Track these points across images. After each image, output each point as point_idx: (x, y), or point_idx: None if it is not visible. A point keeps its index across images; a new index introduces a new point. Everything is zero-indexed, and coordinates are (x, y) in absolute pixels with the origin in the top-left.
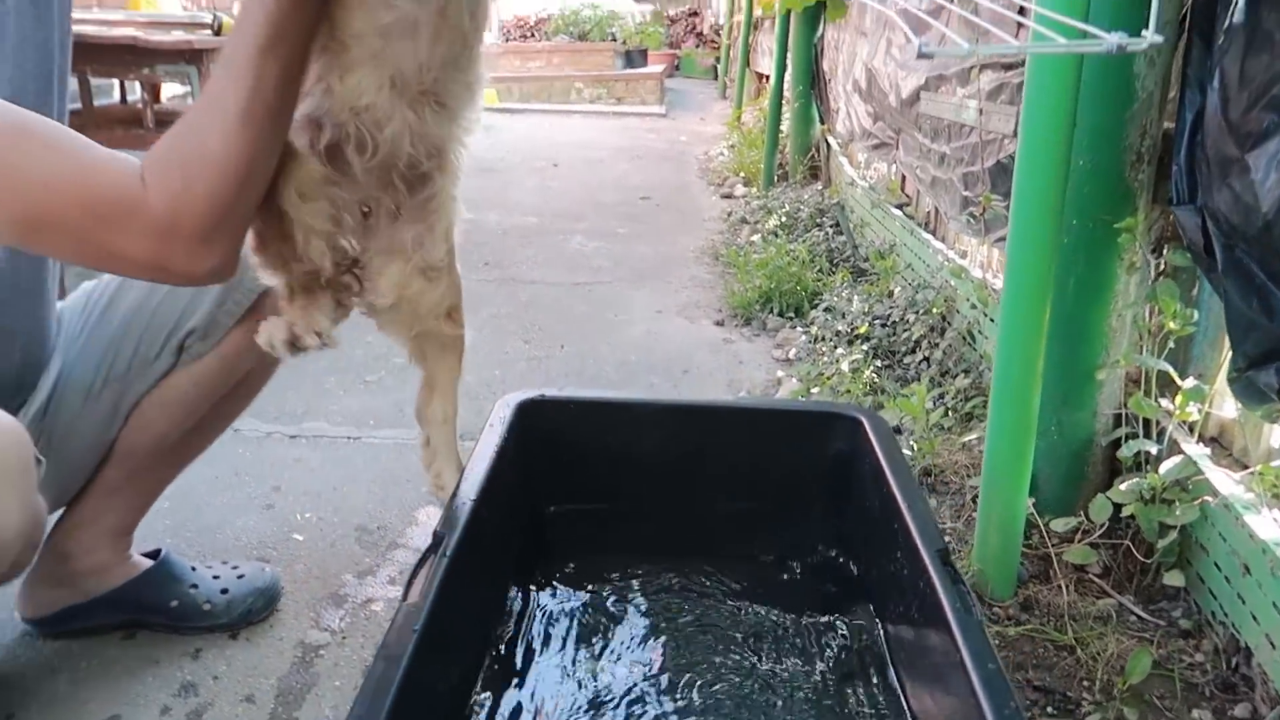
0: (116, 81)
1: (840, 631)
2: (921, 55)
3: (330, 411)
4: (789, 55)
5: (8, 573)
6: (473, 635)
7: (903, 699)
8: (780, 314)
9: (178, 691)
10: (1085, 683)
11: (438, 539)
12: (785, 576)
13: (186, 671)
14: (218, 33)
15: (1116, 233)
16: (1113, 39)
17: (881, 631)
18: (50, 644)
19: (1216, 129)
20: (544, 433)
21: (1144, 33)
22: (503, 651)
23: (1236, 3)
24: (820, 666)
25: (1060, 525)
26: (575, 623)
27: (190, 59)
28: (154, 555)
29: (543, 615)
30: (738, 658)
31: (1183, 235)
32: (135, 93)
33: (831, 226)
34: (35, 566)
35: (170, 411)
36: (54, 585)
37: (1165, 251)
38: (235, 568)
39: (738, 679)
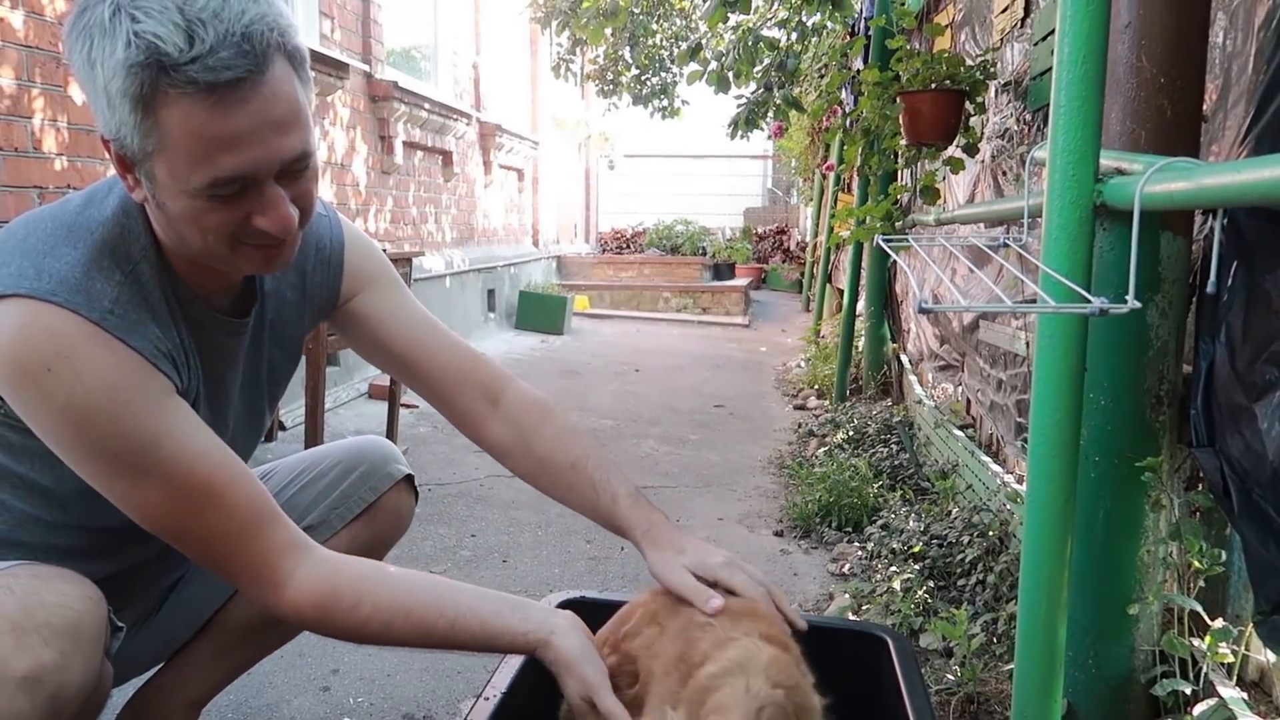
0: None
1: None
2: (922, 310)
3: None
4: (863, 276)
5: None
6: None
7: None
8: (839, 528)
9: None
10: None
11: None
12: None
13: None
14: None
15: (1141, 470)
16: (1097, 303)
17: None
18: None
19: (1226, 378)
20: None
21: (1126, 298)
22: None
23: (1235, 263)
24: None
25: None
26: None
27: None
28: None
29: None
30: None
31: (1203, 475)
32: None
33: (896, 444)
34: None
35: (256, 610)
36: None
37: (1194, 491)
38: None
39: None
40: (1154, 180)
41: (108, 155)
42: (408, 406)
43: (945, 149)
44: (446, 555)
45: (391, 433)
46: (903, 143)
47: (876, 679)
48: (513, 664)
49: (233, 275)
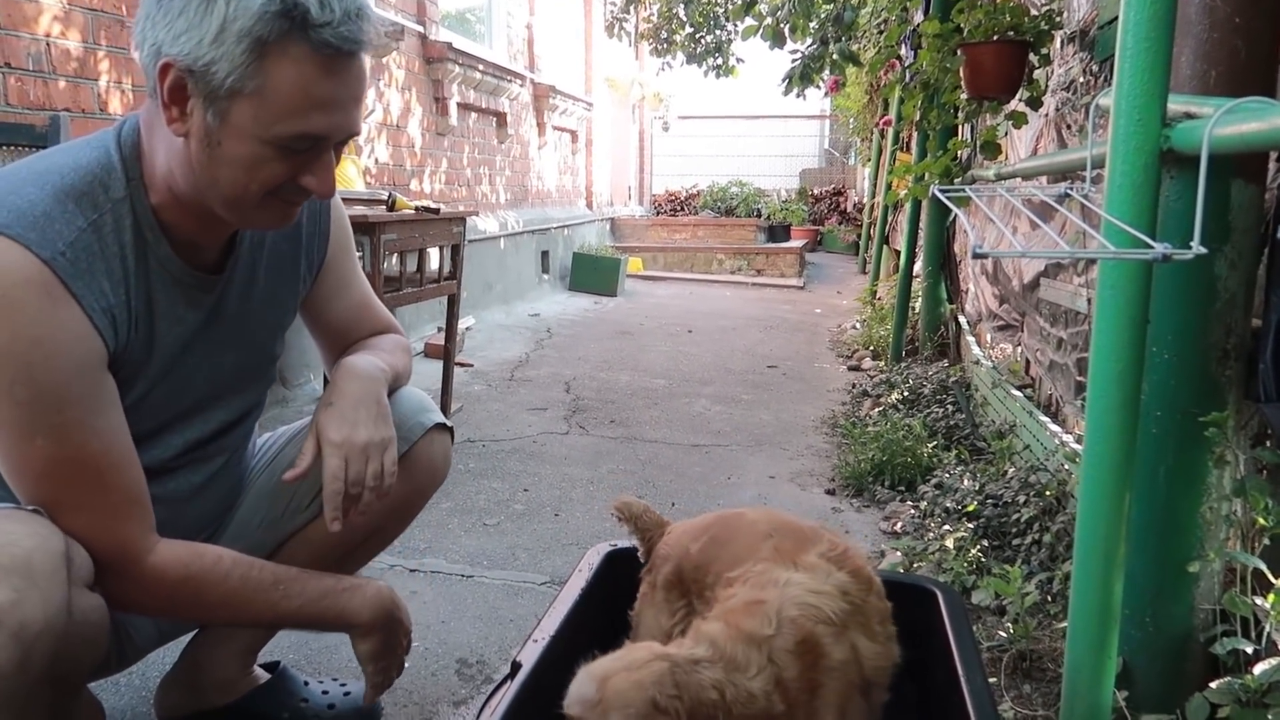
0: None
1: None
2: (975, 256)
3: (449, 550)
4: (920, 236)
5: (67, 668)
6: None
7: None
8: (891, 486)
9: None
10: None
11: (515, 668)
12: None
13: None
14: (391, 208)
15: (1205, 426)
16: (1160, 249)
17: None
18: None
19: None
20: (630, 582)
21: (1191, 244)
22: None
23: None
24: None
25: None
26: None
27: (364, 231)
28: (272, 667)
29: None
30: None
31: (1271, 430)
32: None
33: (952, 404)
34: (173, 669)
35: (311, 549)
36: (184, 691)
37: (1261, 448)
38: (343, 685)
39: None
40: (1224, 122)
41: (159, 79)
42: (462, 365)
43: (1007, 103)
44: (500, 509)
45: (446, 391)
46: (963, 97)
47: (926, 633)
48: (561, 609)
49: (232, 227)
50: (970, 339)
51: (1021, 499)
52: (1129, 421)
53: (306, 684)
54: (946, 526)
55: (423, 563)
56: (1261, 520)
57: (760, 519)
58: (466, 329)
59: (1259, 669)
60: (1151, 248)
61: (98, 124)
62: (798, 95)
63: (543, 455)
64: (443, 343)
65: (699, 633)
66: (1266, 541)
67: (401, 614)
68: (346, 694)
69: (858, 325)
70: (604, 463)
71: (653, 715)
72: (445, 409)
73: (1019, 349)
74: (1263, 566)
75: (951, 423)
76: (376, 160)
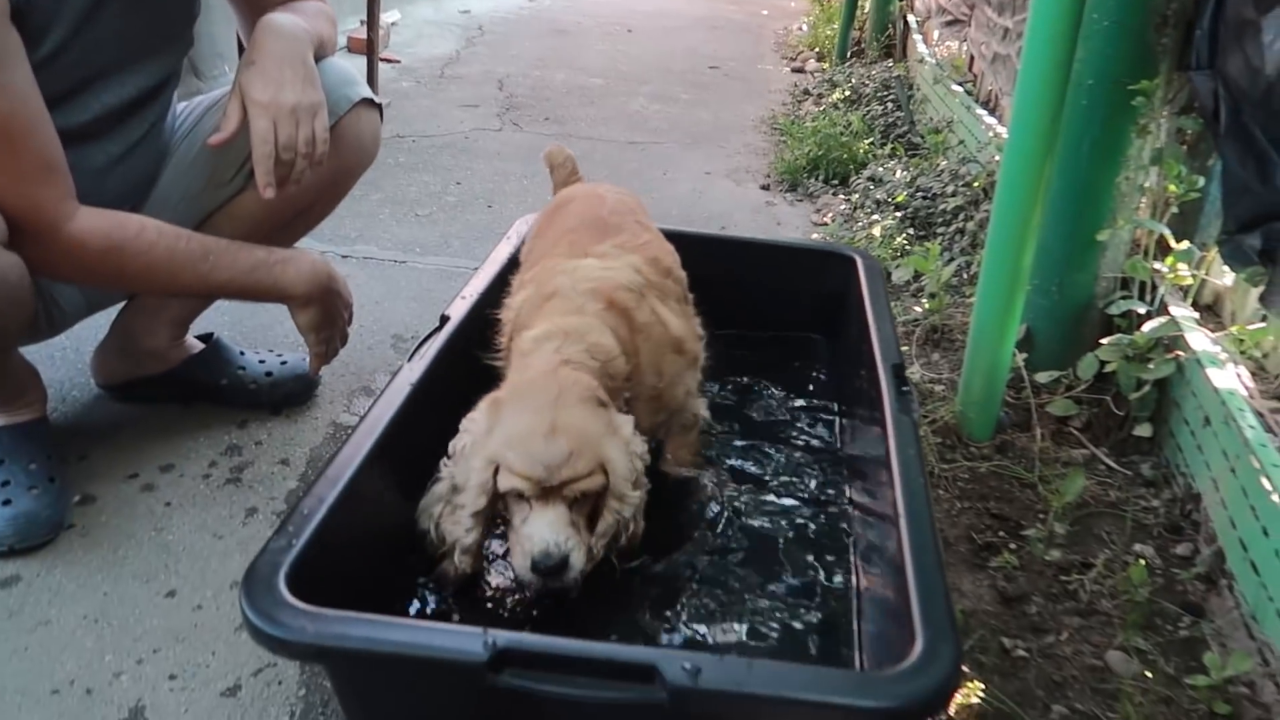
0: None
1: (810, 441)
2: None
3: (381, 238)
4: None
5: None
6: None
7: (846, 487)
8: (825, 181)
9: (224, 451)
10: (1041, 515)
11: (443, 320)
12: (778, 395)
13: (233, 436)
14: None
15: (1133, 95)
16: None
17: (839, 432)
18: (119, 406)
19: None
20: None
21: None
22: None
23: None
24: (790, 472)
25: (1044, 378)
26: None
27: None
28: (206, 339)
29: None
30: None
31: (1196, 100)
32: None
33: (892, 101)
34: (106, 338)
35: (236, 226)
36: (120, 358)
37: (1184, 116)
38: (280, 356)
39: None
40: None
41: None
42: (388, 61)
43: None
44: (432, 200)
45: (371, 86)
46: None
47: (842, 294)
48: (488, 271)
49: None
50: (917, 38)
51: (950, 190)
52: (1058, 87)
53: (243, 354)
54: (875, 216)
55: (355, 249)
56: (1173, 187)
57: (575, 212)
58: (392, 24)
59: (1147, 327)
60: None
61: None
62: None
63: (475, 150)
64: (365, 35)
65: (526, 343)
66: (1175, 209)
67: (338, 285)
68: (283, 364)
69: (804, 27)
70: (538, 158)
71: (606, 414)
72: None
73: (964, 45)
74: (1167, 232)
75: (890, 120)
76: None
